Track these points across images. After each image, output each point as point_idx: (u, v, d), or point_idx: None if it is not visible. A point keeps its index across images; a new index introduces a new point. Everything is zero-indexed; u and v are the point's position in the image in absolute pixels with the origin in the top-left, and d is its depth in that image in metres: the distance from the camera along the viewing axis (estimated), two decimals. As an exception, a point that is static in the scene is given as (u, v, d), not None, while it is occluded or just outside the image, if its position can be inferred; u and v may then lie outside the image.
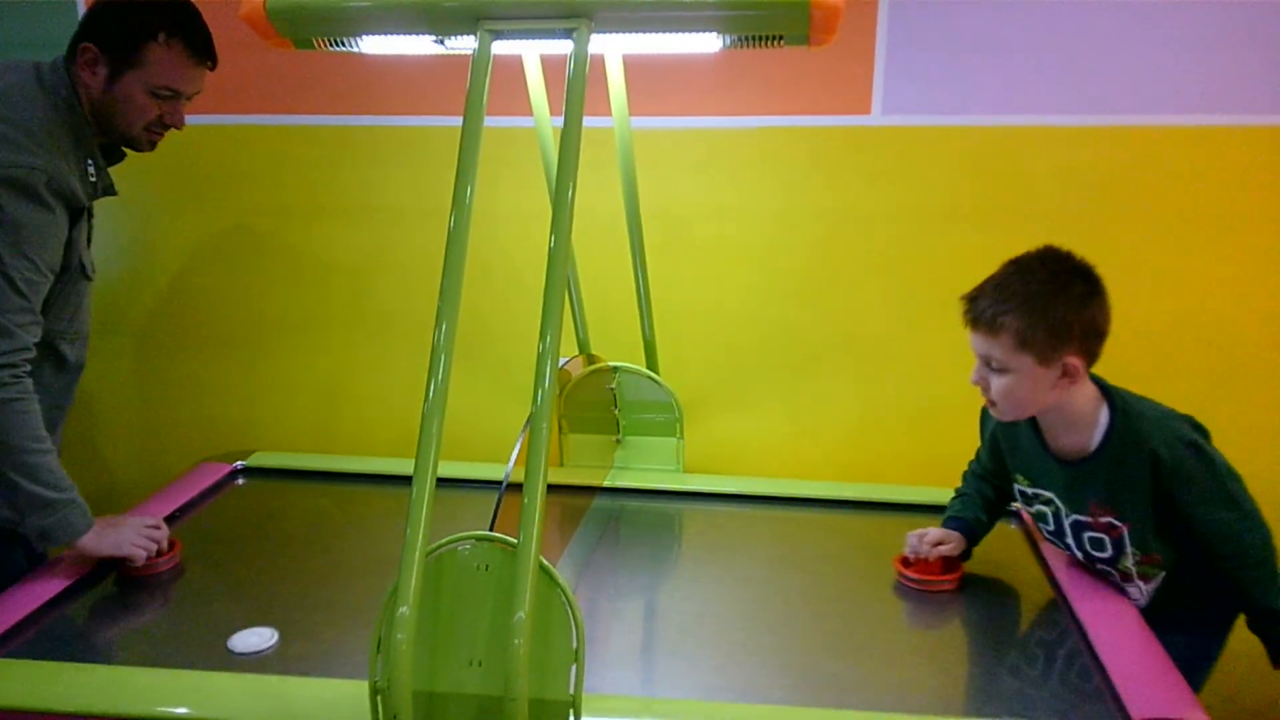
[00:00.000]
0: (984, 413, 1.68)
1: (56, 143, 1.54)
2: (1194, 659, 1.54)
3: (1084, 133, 1.95)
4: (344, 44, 1.40)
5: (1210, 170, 1.94)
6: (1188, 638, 1.56)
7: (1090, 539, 1.55)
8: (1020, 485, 1.62)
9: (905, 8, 1.94)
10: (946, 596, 1.61)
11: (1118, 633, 1.44)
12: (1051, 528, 1.61)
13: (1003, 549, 1.77)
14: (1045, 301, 1.42)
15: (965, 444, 2.12)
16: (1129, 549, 1.52)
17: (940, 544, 1.64)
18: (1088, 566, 1.61)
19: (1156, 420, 1.48)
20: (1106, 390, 1.51)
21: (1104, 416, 1.49)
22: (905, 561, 1.66)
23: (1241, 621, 1.56)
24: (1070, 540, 1.59)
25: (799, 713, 1.28)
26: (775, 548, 1.80)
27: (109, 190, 1.70)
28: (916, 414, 2.15)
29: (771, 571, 1.70)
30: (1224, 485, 1.46)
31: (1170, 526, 1.49)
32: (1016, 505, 1.69)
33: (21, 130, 1.50)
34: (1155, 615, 1.53)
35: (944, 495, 1.86)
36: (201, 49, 1.62)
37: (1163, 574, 1.54)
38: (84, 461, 2.39)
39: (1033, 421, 1.55)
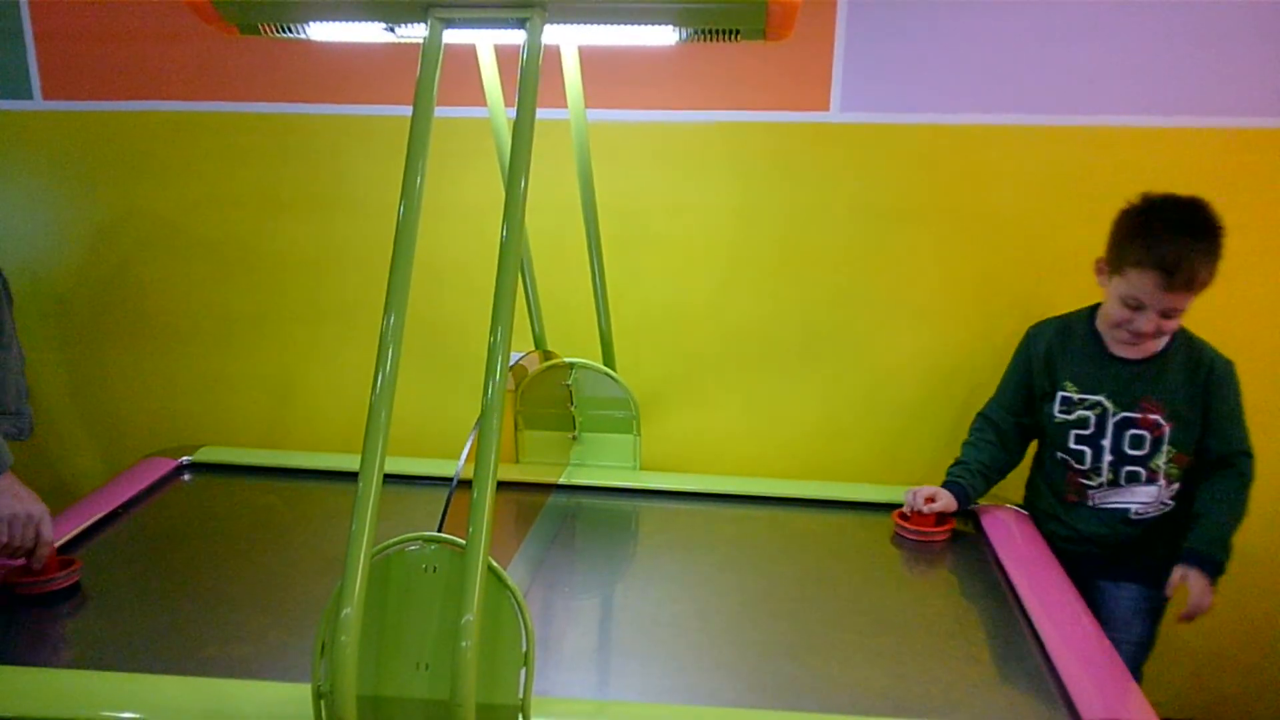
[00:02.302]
0: (1029, 341, 1.87)
1: None
2: (1152, 607, 1.81)
3: (1042, 132, 1.96)
4: (291, 30, 1.36)
5: (1171, 171, 1.94)
6: (1143, 588, 1.80)
7: (1131, 436, 1.75)
8: (1067, 392, 1.79)
9: (865, 5, 1.93)
10: (900, 596, 1.61)
11: (1070, 634, 1.44)
12: (1088, 431, 1.77)
13: (959, 552, 1.78)
14: (1215, 257, 1.63)
15: (924, 443, 2.14)
16: (1165, 447, 1.74)
17: (931, 500, 1.81)
18: (1111, 472, 1.77)
19: (1207, 343, 1.75)
20: None
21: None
22: (904, 516, 1.83)
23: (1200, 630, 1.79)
24: (1106, 441, 1.76)
25: (753, 715, 1.26)
26: (732, 546, 1.79)
27: None
28: (875, 412, 2.15)
29: (728, 570, 1.69)
30: (1241, 411, 1.74)
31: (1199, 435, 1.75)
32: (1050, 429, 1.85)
33: None
34: (1120, 566, 1.79)
35: (901, 494, 1.87)
36: None
37: (1179, 484, 1.77)
38: (27, 454, 2.33)
39: (1094, 332, 1.78)
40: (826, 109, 1.99)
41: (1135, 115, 1.94)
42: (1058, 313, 1.88)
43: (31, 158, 2.20)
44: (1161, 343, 1.73)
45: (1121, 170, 1.96)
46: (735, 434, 2.21)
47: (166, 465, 2.01)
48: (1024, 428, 1.88)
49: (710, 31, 1.29)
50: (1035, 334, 1.86)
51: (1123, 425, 1.75)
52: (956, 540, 1.81)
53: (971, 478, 1.84)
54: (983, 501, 1.89)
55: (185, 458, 2.06)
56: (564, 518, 1.91)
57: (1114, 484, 1.77)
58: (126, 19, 2.09)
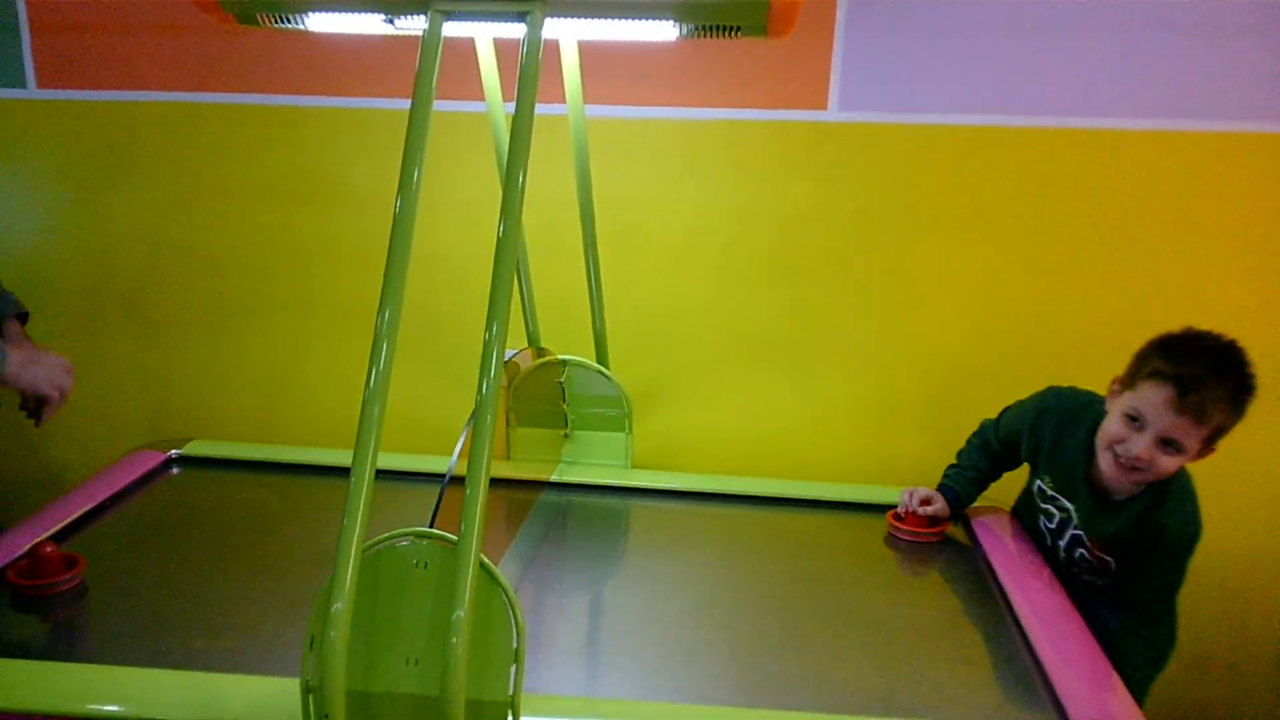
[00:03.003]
0: (1038, 411, 1.75)
1: None
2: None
3: (1041, 134, 1.96)
4: (290, 21, 1.35)
5: (1170, 174, 1.96)
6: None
7: (1080, 554, 1.71)
8: (1042, 484, 1.75)
9: (864, 4, 1.93)
10: (890, 596, 1.61)
11: (1059, 636, 1.44)
12: (1052, 525, 1.74)
13: (950, 553, 1.78)
14: (1243, 404, 1.52)
15: (918, 444, 2.14)
16: (1111, 571, 1.69)
17: (927, 503, 1.81)
18: (1065, 559, 1.74)
19: (1191, 505, 1.61)
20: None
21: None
22: (897, 516, 1.83)
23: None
24: (1063, 542, 1.73)
25: (742, 713, 1.26)
26: (723, 545, 1.78)
27: None
28: (869, 413, 2.15)
29: (718, 569, 1.69)
30: (1173, 587, 1.64)
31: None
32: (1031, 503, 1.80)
33: None
34: (1108, 594, 1.71)
35: (893, 495, 1.88)
36: None
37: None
38: (14, 444, 2.32)
39: (1090, 450, 1.65)
40: (825, 108, 1.99)
41: (1134, 118, 1.94)
42: (1055, 317, 1.88)
43: (25, 147, 2.19)
44: (1138, 478, 1.59)
45: (1120, 173, 1.97)
46: (728, 433, 2.21)
47: (155, 459, 2.00)
48: (1015, 458, 1.83)
49: (711, 28, 1.28)
50: (1045, 409, 1.74)
51: (1078, 541, 1.70)
52: (948, 542, 1.81)
53: (967, 485, 1.84)
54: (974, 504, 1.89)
55: (174, 451, 2.04)
56: (555, 516, 1.90)
57: (1069, 565, 1.74)
58: (122, 9, 2.08)
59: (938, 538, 1.80)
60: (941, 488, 1.84)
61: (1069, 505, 1.70)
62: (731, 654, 1.43)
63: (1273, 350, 2.00)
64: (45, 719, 1.21)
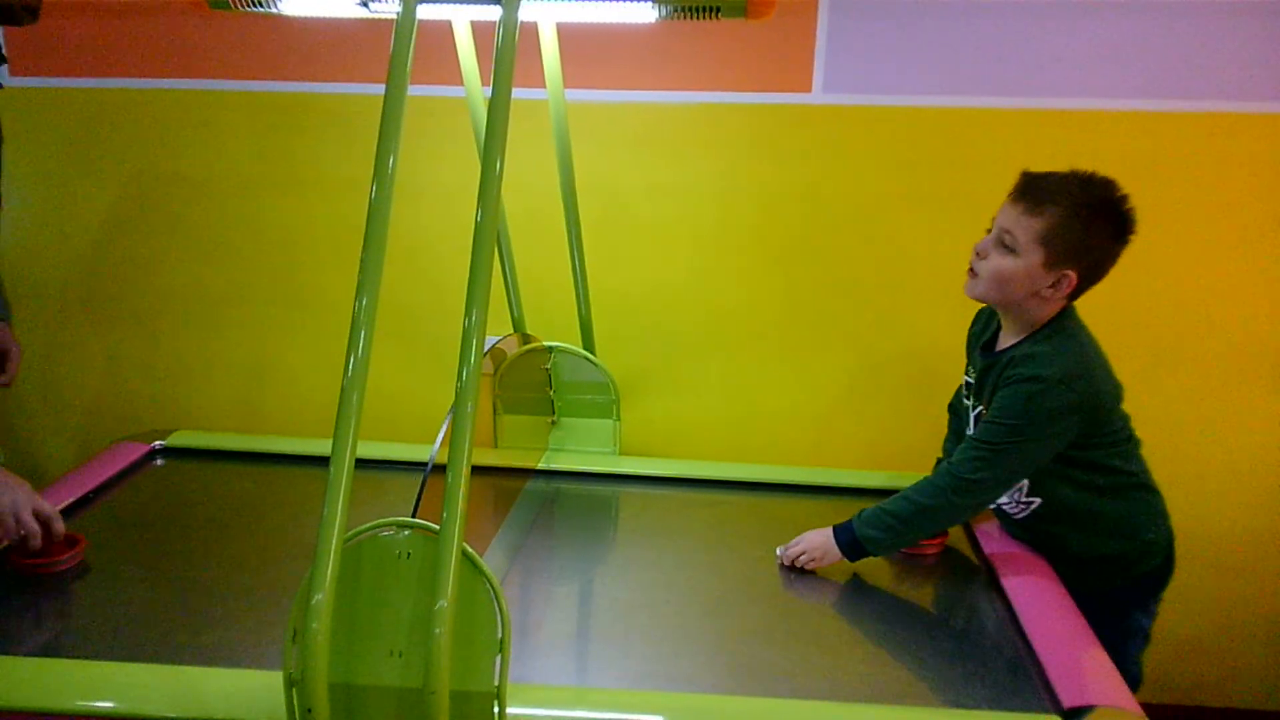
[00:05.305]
0: (974, 318, 1.71)
1: None
2: (1101, 612, 1.54)
3: (1028, 115, 1.95)
4: (262, 4, 1.33)
5: (1159, 155, 1.94)
6: (1113, 617, 1.59)
7: None
8: (968, 378, 1.67)
9: (848, -16, 1.91)
10: (879, 582, 1.61)
11: (1050, 619, 1.44)
12: (965, 421, 1.66)
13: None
14: (1089, 217, 1.45)
15: (906, 428, 2.13)
16: None
17: None
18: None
19: (1052, 351, 1.48)
20: (1068, 318, 1.53)
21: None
22: None
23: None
24: (970, 430, 1.63)
25: (732, 702, 1.25)
26: (711, 532, 1.78)
27: None
28: (856, 398, 2.14)
29: (707, 556, 1.68)
30: (1012, 430, 1.47)
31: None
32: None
33: None
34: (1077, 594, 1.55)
35: (882, 479, 1.87)
36: None
37: (1035, 499, 1.59)
38: (-5, 439, 2.31)
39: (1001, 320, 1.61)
40: (809, 90, 1.97)
41: (1123, 99, 1.92)
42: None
43: (-1, 136, 2.16)
44: (971, 286, 1.54)
45: (1108, 155, 1.93)
46: (715, 419, 2.20)
47: (138, 450, 1.98)
48: None
49: (691, 9, 1.27)
50: (977, 314, 1.71)
51: (978, 421, 1.60)
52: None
53: None
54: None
55: (158, 442, 2.02)
56: (543, 503, 1.89)
57: None
58: (95, -6, 2.05)
59: (938, 549, 1.70)
60: None
61: (973, 381, 1.63)
62: (720, 642, 1.42)
63: (1270, 330, 2.00)
64: (27, 716, 1.20)
